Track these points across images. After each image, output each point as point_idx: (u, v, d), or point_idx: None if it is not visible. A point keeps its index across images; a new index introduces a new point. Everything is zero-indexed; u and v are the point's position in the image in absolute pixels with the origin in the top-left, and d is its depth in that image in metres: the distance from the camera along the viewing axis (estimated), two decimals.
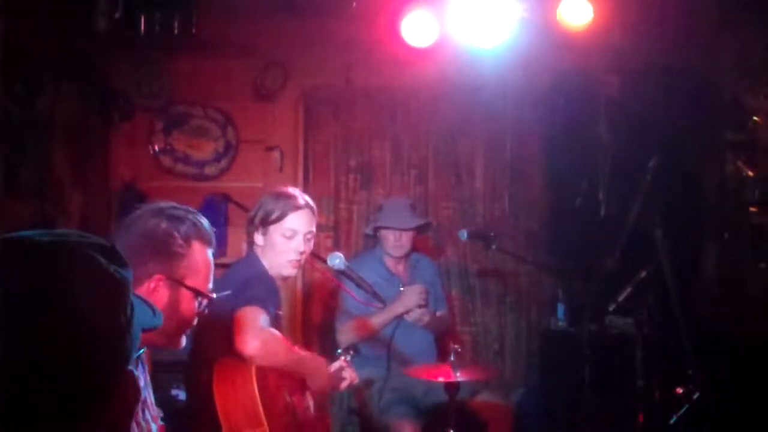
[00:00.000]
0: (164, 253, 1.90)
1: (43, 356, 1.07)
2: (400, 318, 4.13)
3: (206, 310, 1.98)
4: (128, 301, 1.16)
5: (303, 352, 3.01)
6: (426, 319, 4.21)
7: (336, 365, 3.14)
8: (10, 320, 1.06)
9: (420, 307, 4.16)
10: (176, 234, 1.92)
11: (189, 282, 1.92)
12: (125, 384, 1.39)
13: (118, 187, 4.96)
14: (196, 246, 1.95)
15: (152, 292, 1.86)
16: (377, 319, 4.12)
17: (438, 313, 4.44)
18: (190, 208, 2.02)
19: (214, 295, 1.98)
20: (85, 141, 4.74)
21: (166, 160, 5.02)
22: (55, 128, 4.33)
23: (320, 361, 3.07)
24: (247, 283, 2.85)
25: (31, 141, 4.14)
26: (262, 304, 2.80)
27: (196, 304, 1.94)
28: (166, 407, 2.09)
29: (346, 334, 4.20)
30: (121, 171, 4.99)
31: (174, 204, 2.01)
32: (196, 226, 1.97)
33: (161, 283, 1.88)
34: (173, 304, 1.90)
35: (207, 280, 1.97)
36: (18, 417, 1.07)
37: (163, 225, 1.93)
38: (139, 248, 1.88)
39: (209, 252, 1.99)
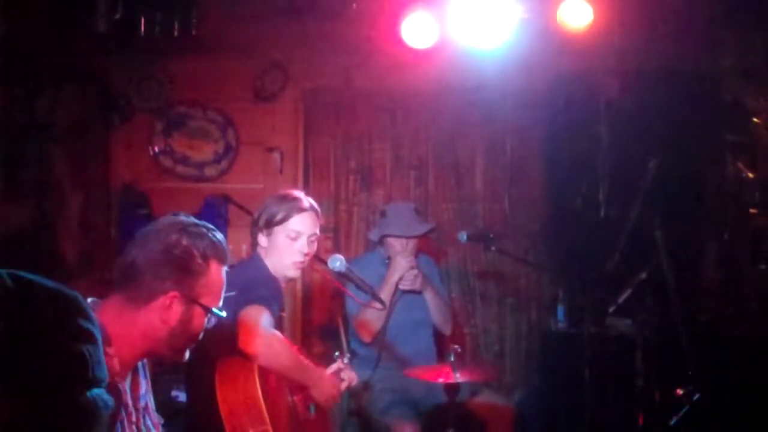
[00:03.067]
0: (183, 270, 1.91)
1: None
2: (398, 292, 4.13)
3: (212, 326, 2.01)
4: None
5: (306, 361, 2.98)
6: (419, 280, 4.20)
7: (334, 367, 3.13)
8: None
9: (411, 269, 4.17)
10: (196, 252, 1.93)
11: (203, 300, 1.94)
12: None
13: (118, 189, 4.96)
14: (213, 265, 1.96)
15: (166, 309, 1.88)
16: (382, 295, 4.05)
17: None
18: (208, 225, 2.02)
19: (224, 314, 2.00)
20: (85, 142, 4.73)
21: (166, 162, 5.02)
22: (54, 129, 4.33)
23: (322, 371, 3.03)
24: (251, 284, 2.86)
25: (31, 142, 4.14)
26: (267, 304, 2.81)
27: (206, 320, 1.97)
28: (166, 409, 2.10)
29: (363, 326, 4.17)
30: (121, 172, 4.99)
31: (193, 219, 2.01)
32: (215, 244, 1.97)
33: (176, 300, 1.90)
34: (185, 320, 1.92)
35: (219, 298, 1.99)
36: None
37: (184, 242, 1.93)
38: (157, 263, 1.89)
39: (224, 270, 2.00)
